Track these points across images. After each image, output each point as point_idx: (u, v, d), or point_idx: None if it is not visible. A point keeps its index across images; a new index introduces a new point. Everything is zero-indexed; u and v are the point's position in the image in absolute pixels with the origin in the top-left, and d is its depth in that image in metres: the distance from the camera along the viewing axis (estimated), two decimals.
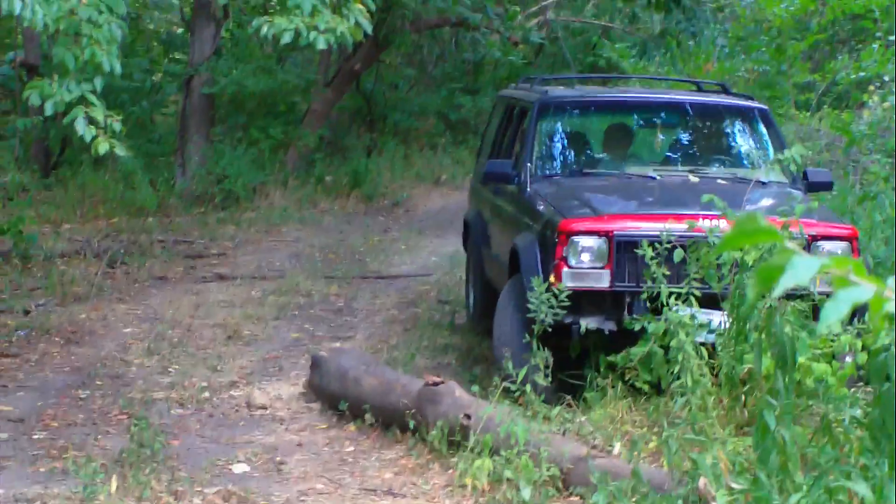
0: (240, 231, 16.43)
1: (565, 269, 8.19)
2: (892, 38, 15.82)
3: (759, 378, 6.63)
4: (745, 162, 10.01)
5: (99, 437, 7.94)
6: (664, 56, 19.86)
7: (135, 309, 11.69)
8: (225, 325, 10.95)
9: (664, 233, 7.95)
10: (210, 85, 19.54)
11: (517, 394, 7.60)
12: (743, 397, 7.18)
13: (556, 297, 7.86)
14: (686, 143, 10.57)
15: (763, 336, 6.25)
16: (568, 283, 8.10)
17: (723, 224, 7.84)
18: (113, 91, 19.25)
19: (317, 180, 19.95)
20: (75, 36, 7.05)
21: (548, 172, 9.70)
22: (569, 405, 7.92)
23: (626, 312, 8.11)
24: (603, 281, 8.21)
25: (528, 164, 9.54)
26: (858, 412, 5.82)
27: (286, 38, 7.38)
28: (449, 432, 7.27)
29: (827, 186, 9.73)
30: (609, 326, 8.17)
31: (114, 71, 7.13)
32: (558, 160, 10.07)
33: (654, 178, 9.44)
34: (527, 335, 7.96)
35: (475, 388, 7.78)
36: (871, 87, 17.15)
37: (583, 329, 8.13)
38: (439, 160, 22.99)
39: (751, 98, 10.85)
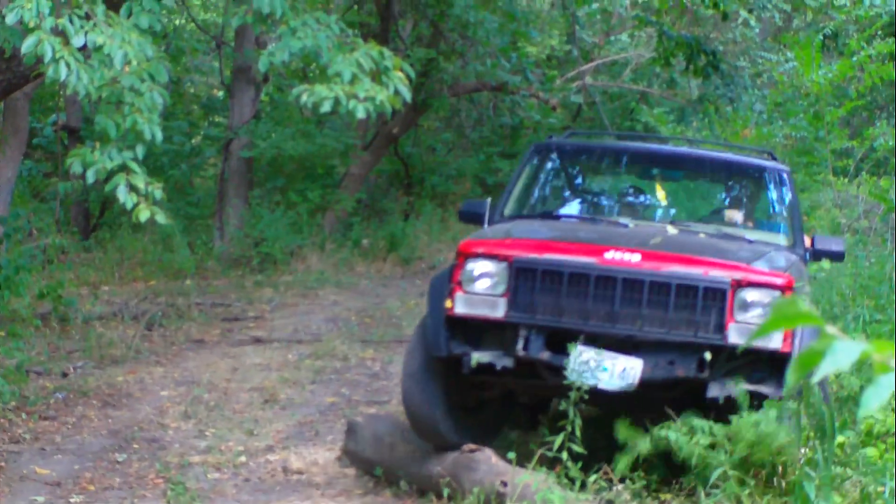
0: (277, 294, 16.46)
1: (459, 293, 7.57)
2: None
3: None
4: (746, 221, 9.32)
5: (136, 501, 7.96)
6: (702, 121, 19.87)
7: (172, 372, 11.72)
8: (261, 388, 10.96)
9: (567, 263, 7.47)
10: (249, 148, 19.69)
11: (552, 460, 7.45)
12: (780, 467, 7.11)
13: (448, 325, 7.50)
14: (683, 197, 10.10)
15: (801, 407, 6.22)
16: (460, 310, 7.56)
17: (635, 258, 7.44)
18: (152, 154, 19.40)
19: (354, 244, 19.96)
20: (117, 104, 7.13)
21: (520, 213, 9.12)
22: (605, 473, 7.56)
23: (521, 348, 7.43)
24: (497, 310, 7.50)
25: (503, 205, 9.10)
26: None
27: (326, 107, 7.41)
28: (485, 500, 7.24)
29: (837, 256, 8.82)
30: (504, 363, 7.45)
31: (155, 139, 7.20)
32: (535, 203, 9.48)
33: (625, 226, 8.59)
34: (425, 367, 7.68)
35: (511, 454, 7.52)
36: None
37: (473, 362, 7.43)
38: None
39: (773, 158, 10.00)
